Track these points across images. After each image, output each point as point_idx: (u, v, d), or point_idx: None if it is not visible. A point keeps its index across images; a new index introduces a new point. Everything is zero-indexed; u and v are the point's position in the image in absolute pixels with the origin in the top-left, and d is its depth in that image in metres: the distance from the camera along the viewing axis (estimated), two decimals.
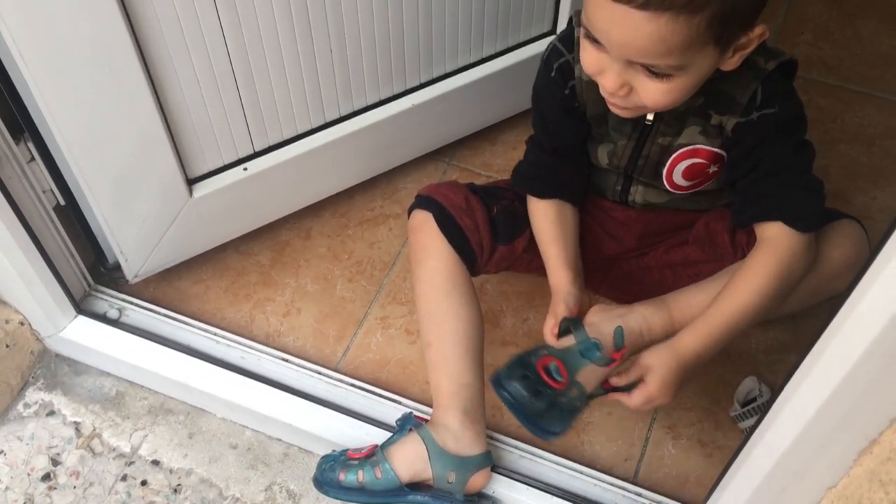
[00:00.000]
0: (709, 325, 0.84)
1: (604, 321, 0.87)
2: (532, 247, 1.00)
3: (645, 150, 0.90)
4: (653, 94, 0.76)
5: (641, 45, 0.71)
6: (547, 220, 0.96)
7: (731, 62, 0.78)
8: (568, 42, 0.88)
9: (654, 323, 0.89)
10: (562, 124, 0.92)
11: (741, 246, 0.93)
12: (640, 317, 0.89)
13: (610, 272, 1.06)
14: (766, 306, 0.84)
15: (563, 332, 0.87)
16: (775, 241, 0.84)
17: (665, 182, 0.92)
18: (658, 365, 0.83)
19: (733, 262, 0.92)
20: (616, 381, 0.85)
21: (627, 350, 0.86)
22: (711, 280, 0.91)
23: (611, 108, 0.83)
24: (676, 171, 0.91)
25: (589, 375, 0.86)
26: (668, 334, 0.87)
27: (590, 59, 0.78)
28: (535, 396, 0.83)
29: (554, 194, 0.96)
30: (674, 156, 0.89)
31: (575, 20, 0.87)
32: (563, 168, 0.96)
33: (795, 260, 0.84)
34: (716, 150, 0.87)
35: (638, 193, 0.97)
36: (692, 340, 0.84)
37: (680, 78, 0.75)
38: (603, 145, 0.93)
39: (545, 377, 0.84)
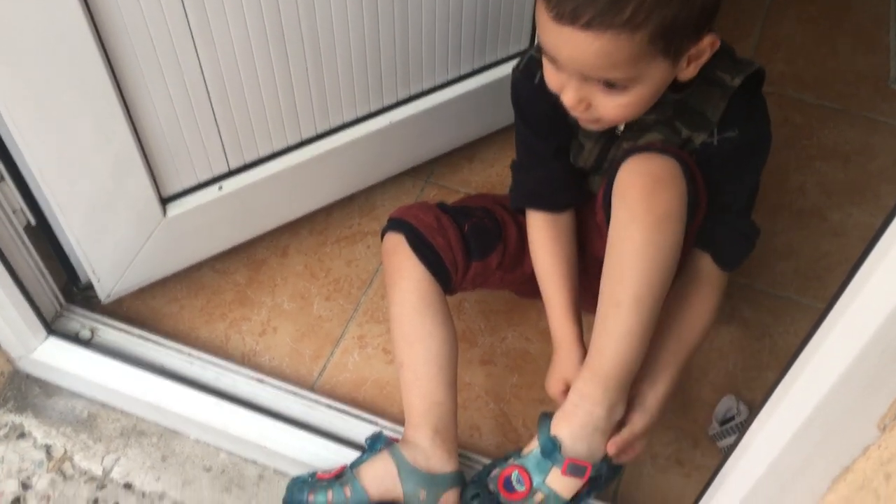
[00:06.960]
0: (670, 367, 0.88)
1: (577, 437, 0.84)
2: (505, 262, 0.99)
3: (610, 154, 0.92)
4: (611, 109, 0.80)
5: (590, 62, 0.75)
6: (548, 253, 0.95)
7: (688, 72, 0.80)
8: None
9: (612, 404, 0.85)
10: (556, 122, 0.92)
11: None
12: (599, 418, 0.84)
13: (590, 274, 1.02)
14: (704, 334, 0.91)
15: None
16: (706, 272, 0.90)
17: None
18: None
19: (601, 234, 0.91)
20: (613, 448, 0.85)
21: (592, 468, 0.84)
22: (607, 319, 0.84)
23: (580, 122, 0.85)
24: None
25: (557, 480, 0.84)
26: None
27: (550, 77, 0.82)
28: None
29: (571, 201, 0.96)
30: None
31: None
32: (568, 171, 0.95)
33: (720, 293, 0.92)
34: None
35: (595, 183, 0.98)
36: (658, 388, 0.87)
37: (635, 90, 0.78)
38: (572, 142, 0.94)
39: (502, 489, 0.87)
